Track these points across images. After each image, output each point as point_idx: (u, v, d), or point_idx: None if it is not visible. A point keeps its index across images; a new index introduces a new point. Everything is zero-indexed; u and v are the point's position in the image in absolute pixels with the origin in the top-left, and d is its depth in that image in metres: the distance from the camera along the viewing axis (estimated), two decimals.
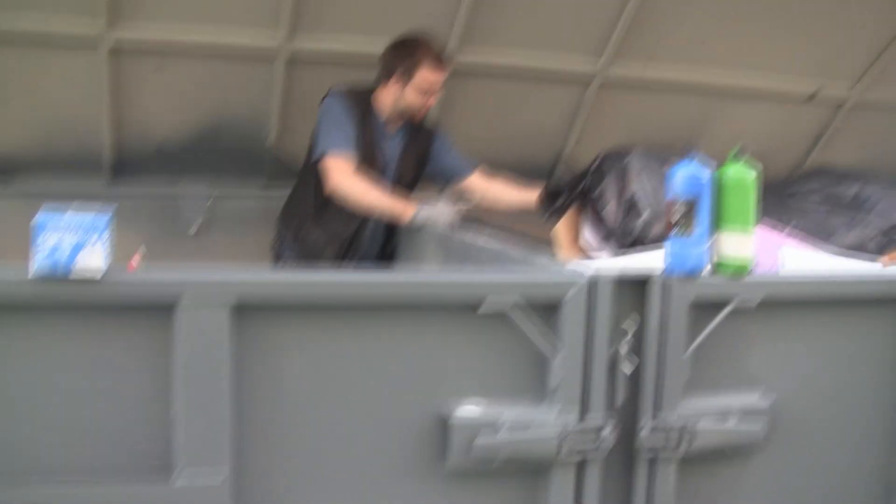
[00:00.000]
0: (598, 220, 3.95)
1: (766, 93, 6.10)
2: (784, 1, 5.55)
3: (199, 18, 4.87)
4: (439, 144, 4.91)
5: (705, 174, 3.00)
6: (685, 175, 2.98)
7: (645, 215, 3.81)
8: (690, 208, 2.97)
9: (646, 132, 6.01)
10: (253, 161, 5.51)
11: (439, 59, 4.59)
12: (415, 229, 4.31)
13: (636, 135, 5.96)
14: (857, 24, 5.81)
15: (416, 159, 4.84)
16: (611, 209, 3.89)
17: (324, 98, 4.64)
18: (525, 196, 4.73)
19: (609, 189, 3.94)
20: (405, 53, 4.57)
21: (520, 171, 5.70)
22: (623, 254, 3.74)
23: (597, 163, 4.08)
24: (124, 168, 5.39)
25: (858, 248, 4.23)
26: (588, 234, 4.11)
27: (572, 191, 4.17)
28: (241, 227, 5.44)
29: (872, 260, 4.30)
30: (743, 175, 3.06)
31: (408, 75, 4.55)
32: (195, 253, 5.55)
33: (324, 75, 4.95)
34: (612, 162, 4.03)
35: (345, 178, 4.43)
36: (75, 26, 4.71)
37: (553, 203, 4.27)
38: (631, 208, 3.83)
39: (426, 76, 4.55)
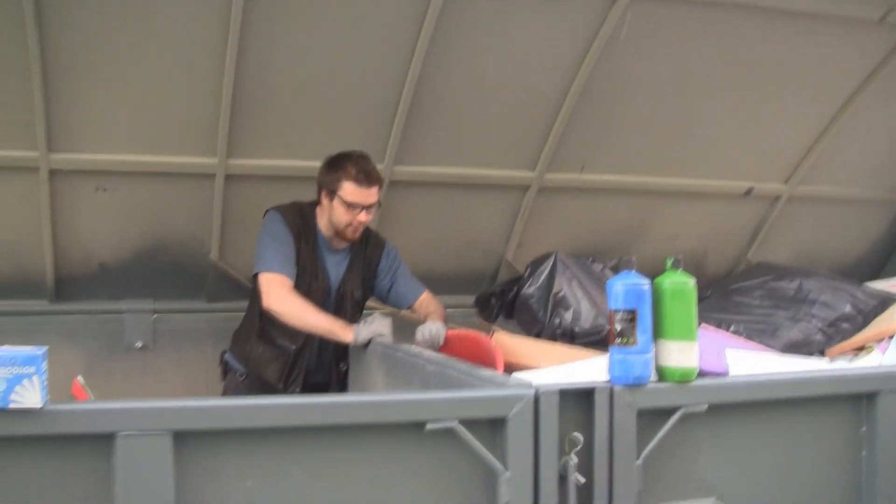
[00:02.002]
0: (532, 319, 3.98)
1: (701, 191, 6.19)
2: (710, 114, 5.68)
3: (138, 148, 4.90)
4: (386, 264, 4.84)
5: (645, 284, 3.02)
6: (625, 286, 3.01)
7: (571, 310, 3.88)
8: (632, 318, 2.98)
9: (586, 233, 6.09)
10: (195, 277, 5.49)
11: (365, 174, 4.50)
12: (359, 347, 4.27)
13: (577, 236, 6.05)
14: (783, 128, 5.95)
15: (361, 278, 4.78)
16: (540, 307, 3.94)
17: (264, 216, 4.61)
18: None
19: (539, 289, 4.00)
20: (331, 169, 4.53)
21: (462, 280, 5.73)
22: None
23: (527, 270, 4.17)
24: (66, 287, 5.35)
25: (804, 343, 4.28)
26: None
27: (505, 295, 4.22)
28: (185, 342, 5.40)
29: (819, 353, 4.35)
30: (682, 283, 3.09)
31: (334, 189, 4.49)
32: (139, 369, 5.51)
33: (263, 190, 4.97)
34: (538, 266, 4.14)
35: (278, 297, 4.36)
36: (14, 150, 4.72)
37: (487, 307, 4.32)
38: (557, 304, 3.90)
39: (350, 190, 4.46)
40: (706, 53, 5.26)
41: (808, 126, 6.02)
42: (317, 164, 4.67)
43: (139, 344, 5.50)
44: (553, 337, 3.87)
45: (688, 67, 5.33)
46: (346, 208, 4.48)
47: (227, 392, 4.74)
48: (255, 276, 4.45)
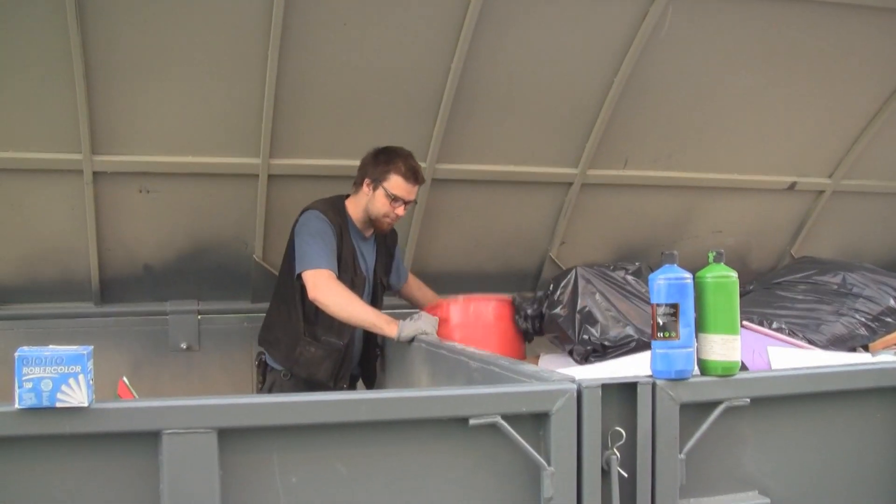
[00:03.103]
0: (563, 336, 4.03)
1: (744, 185, 6.17)
2: (753, 108, 5.65)
3: (180, 149, 4.96)
4: (398, 251, 5.12)
5: (687, 279, 3.02)
6: (667, 280, 3.00)
7: (598, 325, 3.89)
8: (674, 312, 2.98)
9: (629, 229, 6.09)
10: (239, 277, 5.55)
11: (413, 171, 4.64)
12: (401, 343, 4.31)
13: (620, 232, 6.06)
14: (827, 121, 5.92)
15: (385, 265, 4.94)
16: (568, 325, 3.98)
17: (299, 217, 4.67)
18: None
19: (564, 308, 4.05)
20: (382, 160, 4.63)
21: (506, 278, 5.73)
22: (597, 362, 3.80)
23: (550, 287, 4.18)
24: (111, 289, 5.42)
25: (848, 337, 4.25)
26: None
27: (532, 314, 4.29)
28: (230, 343, 5.45)
29: (863, 348, 4.32)
30: (724, 277, 3.08)
31: (380, 180, 4.60)
32: (184, 370, 5.57)
33: (306, 189, 5.00)
34: (559, 283, 4.14)
35: (326, 290, 4.42)
36: (59, 153, 4.78)
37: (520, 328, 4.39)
38: (584, 321, 3.91)
39: (398, 184, 4.59)
40: (748, 48, 5.23)
41: (852, 119, 5.99)
42: (358, 163, 4.71)
43: (184, 345, 5.57)
44: (585, 353, 3.87)
45: (730, 62, 5.30)
46: (389, 200, 4.60)
47: (272, 391, 4.78)
48: (299, 276, 4.50)
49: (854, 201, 6.54)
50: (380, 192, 4.60)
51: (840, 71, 5.56)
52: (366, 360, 4.97)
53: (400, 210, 4.65)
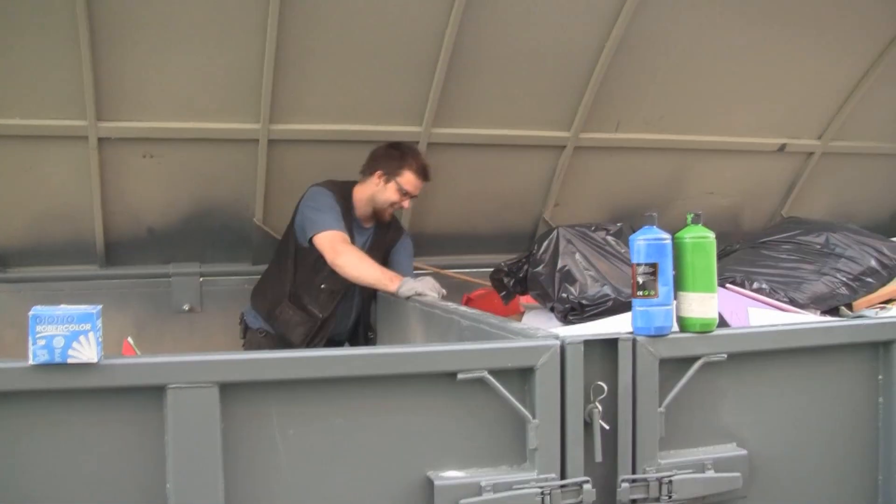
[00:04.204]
0: (544, 294, 4.12)
1: (736, 147, 6.26)
2: (743, 70, 5.73)
3: (183, 115, 5.05)
4: (401, 247, 5.24)
5: (665, 239, 3.14)
6: (647, 241, 3.12)
7: (577, 283, 3.97)
8: (653, 272, 3.10)
9: (622, 191, 6.18)
10: (240, 240, 5.67)
11: (424, 170, 4.93)
12: (399, 299, 4.45)
13: (613, 194, 6.15)
14: (816, 83, 6.01)
15: (379, 255, 5.06)
16: (549, 283, 4.06)
17: (307, 191, 4.87)
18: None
19: (546, 266, 4.13)
20: (397, 154, 4.89)
21: (501, 239, 5.84)
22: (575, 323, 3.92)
23: (534, 247, 4.27)
24: (116, 252, 5.53)
25: (829, 296, 4.35)
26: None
27: (517, 272, 4.37)
28: (231, 304, 5.53)
29: (846, 307, 4.43)
30: (702, 238, 3.19)
31: (394, 173, 4.85)
32: (187, 331, 5.70)
33: (305, 154, 5.13)
34: (542, 242, 4.23)
35: (343, 251, 4.63)
36: (65, 120, 4.87)
37: (501, 285, 4.47)
38: (563, 279, 4.00)
39: (410, 180, 4.88)
40: (738, 9, 5.32)
41: (840, 81, 6.08)
42: (357, 127, 4.90)
43: (186, 306, 5.69)
44: (563, 311, 3.97)
45: (720, 24, 5.39)
46: (399, 194, 4.87)
47: (247, 348, 5.03)
48: (310, 242, 4.70)
49: (843, 162, 6.65)
50: (392, 185, 4.86)
51: (829, 32, 5.64)
52: (354, 338, 5.21)
53: (406, 203, 4.95)
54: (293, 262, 4.88)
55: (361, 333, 5.23)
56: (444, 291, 4.46)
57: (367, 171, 4.94)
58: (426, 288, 4.42)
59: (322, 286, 4.84)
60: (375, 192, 4.90)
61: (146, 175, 5.24)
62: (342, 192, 4.90)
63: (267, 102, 5.02)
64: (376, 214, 4.98)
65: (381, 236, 5.12)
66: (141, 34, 4.63)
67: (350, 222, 4.87)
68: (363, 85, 5.12)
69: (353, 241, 4.84)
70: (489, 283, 4.71)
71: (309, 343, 4.90)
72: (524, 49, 5.22)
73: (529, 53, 5.26)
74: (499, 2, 4.95)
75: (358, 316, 5.17)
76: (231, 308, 5.52)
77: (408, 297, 4.42)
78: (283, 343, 4.90)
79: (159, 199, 5.39)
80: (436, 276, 4.92)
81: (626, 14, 5.11)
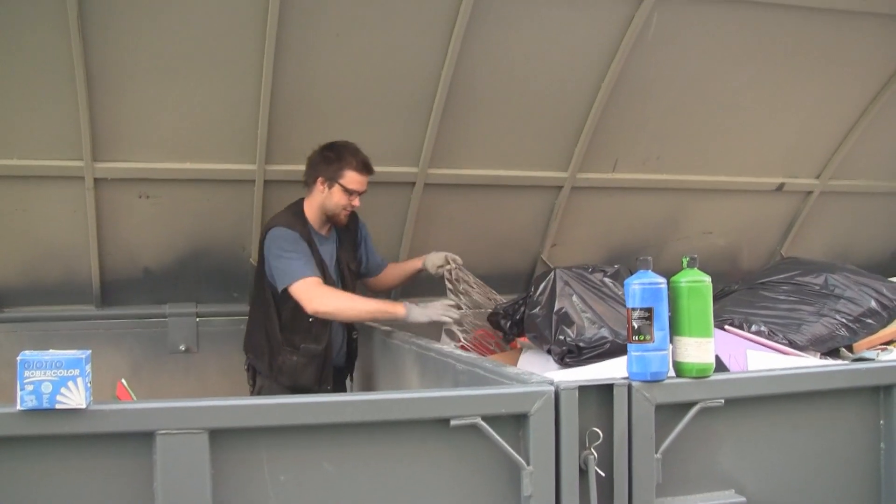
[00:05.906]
0: (541, 336, 4.09)
1: (733, 187, 6.25)
2: (740, 110, 5.74)
3: (179, 156, 5.05)
4: (361, 234, 5.17)
5: (661, 283, 3.12)
6: (642, 285, 3.10)
7: (574, 326, 3.94)
8: (649, 316, 3.08)
9: (620, 230, 6.17)
10: (236, 281, 5.64)
11: (364, 163, 4.78)
12: (395, 341, 4.43)
13: (610, 234, 6.14)
14: (814, 123, 6.02)
15: (351, 251, 5.05)
16: (546, 325, 4.03)
17: (264, 235, 4.77)
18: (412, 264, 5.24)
19: (542, 308, 4.11)
20: (333, 156, 4.75)
21: (499, 279, 5.82)
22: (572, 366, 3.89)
23: (531, 288, 4.26)
24: (112, 292, 5.51)
25: (829, 337, 4.32)
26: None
27: (514, 314, 4.37)
28: (228, 345, 5.51)
29: (847, 348, 4.40)
30: (698, 281, 3.17)
31: (335, 176, 4.73)
32: (183, 372, 5.66)
33: (300, 194, 5.09)
34: (539, 284, 4.21)
35: (323, 298, 4.55)
36: (61, 160, 4.87)
37: (499, 327, 4.50)
38: (560, 322, 3.97)
39: (352, 178, 4.74)
40: (734, 51, 5.33)
41: (838, 121, 6.08)
42: None
43: (183, 347, 5.66)
44: (560, 353, 3.94)
45: (716, 65, 5.40)
46: (346, 194, 4.76)
47: (261, 393, 4.91)
48: (284, 291, 4.60)
49: (842, 201, 6.63)
50: (336, 188, 4.74)
51: (826, 72, 5.66)
52: (350, 353, 5.15)
53: (356, 202, 4.81)
54: (275, 309, 4.77)
55: (347, 339, 5.15)
56: (460, 311, 4.57)
57: (309, 180, 4.84)
58: (437, 315, 4.50)
59: (310, 319, 4.72)
60: (323, 199, 4.79)
61: (142, 215, 5.24)
62: (297, 217, 4.81)
63: (262, 144, 5.03)
64: (332, 220, 4.88)
65: (345, 238, 5.04)
66: (137, 76, 4.65)
67: (311, 240, 4.78)
68: (357, 126, 5.09)
69: (321, 256, 4.80)
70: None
71: (319, 378, 4.82)
72: (520, 90, 5.23)
73: (525, 95, 5.27)
74: (495, 43, 4.96)
75: (344, 327, 5.07)
76: (228, 348, 5.50)
77: (416, 322, 4.51)
78: (296, 389, 4.76)
79: (155, 239, 5.38)
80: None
81: (622, 54, 5.12)
